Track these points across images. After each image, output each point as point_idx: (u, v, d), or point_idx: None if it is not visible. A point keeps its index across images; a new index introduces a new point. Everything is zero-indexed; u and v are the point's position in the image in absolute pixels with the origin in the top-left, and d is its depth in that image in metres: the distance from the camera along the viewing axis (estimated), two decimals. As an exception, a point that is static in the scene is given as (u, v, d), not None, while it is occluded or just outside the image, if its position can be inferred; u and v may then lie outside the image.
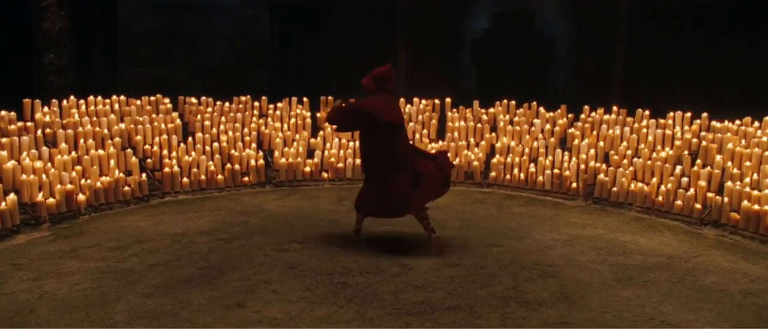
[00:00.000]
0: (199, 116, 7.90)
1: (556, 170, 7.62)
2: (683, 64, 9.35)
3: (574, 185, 7.40)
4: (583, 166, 7.47)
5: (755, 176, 6.24)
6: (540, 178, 7.63)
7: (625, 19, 9.69)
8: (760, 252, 5.57)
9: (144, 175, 7.04)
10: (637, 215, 6.71)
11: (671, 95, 8.79)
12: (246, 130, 8.07)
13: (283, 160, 7.83)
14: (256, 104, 8.46)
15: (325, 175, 7.97)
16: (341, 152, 8.12)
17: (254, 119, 8.26)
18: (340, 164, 8.01)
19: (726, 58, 8.81)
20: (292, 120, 8.35)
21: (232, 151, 7.72)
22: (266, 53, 9.87)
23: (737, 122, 7.00)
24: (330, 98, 8.75)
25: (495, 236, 5.90)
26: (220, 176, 7.45)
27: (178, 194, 7.25)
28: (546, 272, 4.99)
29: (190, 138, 7.65)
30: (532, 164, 7.82)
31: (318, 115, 8.53)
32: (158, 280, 4.74)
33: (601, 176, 7.19)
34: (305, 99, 8.65)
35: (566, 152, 7.80)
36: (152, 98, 7.81)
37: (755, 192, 5.99)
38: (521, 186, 7.77)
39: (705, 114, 7.29)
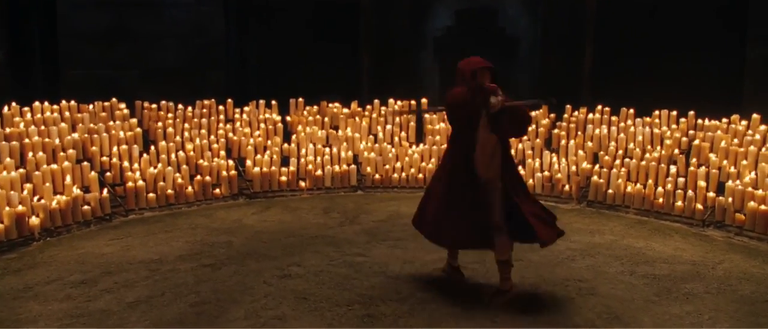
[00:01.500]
0: (160, 123, 6.96)
1: (546, 173, 7.20)
2: (652, 62, 9.16)
3: (566, 187, 7.00)
4: (573, 168, 7.08)
5: (753, 174, 6.02)
6: (530, 181, 7.18)
7: (594, 16, 9.43)
8: (776, 255, 5.32)
9: (105, 191, 6.07)
10: (637, 219, 6.37)
11: (641, 93, 8.58)
12: (213, 137, 7.20)
13: (257, 169, 7.02)
14: (221, 107, 7.58)
15: (302, 184, 7.22)
16: (318, 158, 7.39)
17: (221, 124, 7.39)
18: (319, 172, 7.28)
19: (697, 55, 8.67)
20: (262, 125, 7.53)
21: (201, 160, 6.84)
22: (222, 53, 8.96)
23: (724, 119, 6.80)
24: (300, 99, 8.01)
25: (509, 249, 5.37)
26: (189, 189, 6.56)
27: (144, 211, 6.32)
28: (581, 289, 4.51)
29: (152, 147, 6.71)
30: (520, 167, 7.37)
31: (289, 118, 7.76)
32: (145, 323, 3.92)
33: (595, 178, 6.82)
34: (274, 102, 7.85)
35: (554, 154, 7.40)
36: (106, 103, 6.81)
37: (759, 192, 5.75)
38: (509, 190, 7.29)
39: (691, 112, 7.07)
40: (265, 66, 9.53)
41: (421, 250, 5.26)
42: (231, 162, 7.01)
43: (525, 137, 7.71)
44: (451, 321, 3.98)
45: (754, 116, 6.56)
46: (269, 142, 7.39)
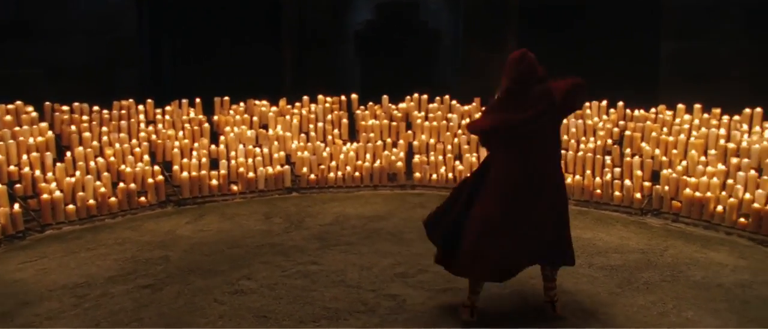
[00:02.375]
0: (74, 127, 6.24)
1: (483, 167, 7.11)
2: (574, 55, 9.35)
3: (505, 181, 6.94)
4: (511, 161, 7.04)
5: (684, 162, 6.21)
6: (468, 175, 7.06)
7: (516, 10, 9.49)
8: (712, 239, 5.48)
9: (16, 205, 5.33)
10: (578, 209, 6.37)
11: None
12: (134, 140, 6.56)
13: (185, 173, 6.46)
14: (141, 108, 6.93)
15: (234, 188, 6.73)
16: (250, 160, 6.91)
17: (142, 126, 6.75)
18: (251, 174, 6.81)
19: (617, 48, 8.92)
20: (187, 126, 6.95)
21: (123, 166, 6.20)
22: (135, 50, 8.23)
23: (653, 110, 6.99)
24: (225, 98, 7.48)
25: (464, 247, 5.21)
26: (112, 199, 5.91)
27: (62, 225, 5.62)
28: (542, 284, 4.40)
29: (67, 154, 5.99)
30: (457, 162, 7.26)
31: (212, 118, 7.22)
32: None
33: (534, 170, 6.80)
34: (198, 100, 7.28)
35: (490, 147, 7.33)
36: (11, 106, 6.00)
37: (693, 180, 5.93)
38: (450, 186, 7.15)
39: (621, 103, 7.21)
40: (181, 63, 8.87)
41: (375, 255, 5.01)
42: (156, 167, 6.40)
43: (459, 131, 7.62)
44: (427, 330, 3.76)
45: (679, 106, 6.77)
46: (196, 144, 6.84)
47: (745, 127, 6.27)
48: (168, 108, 7.05)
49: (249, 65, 9.22)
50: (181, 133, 6.86)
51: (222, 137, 7.01)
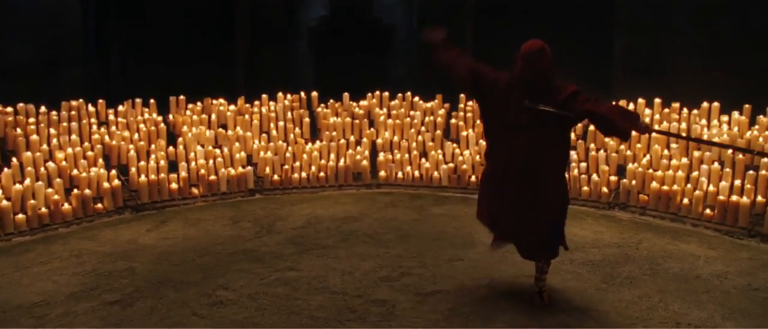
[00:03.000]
0: (19, 129, 5.75)
1: (450, 164, 7.03)
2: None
3: (473, 178, 6.88)
4: (478, 158, 6.99)
5: (648, 157, 6.30)
6: (436, 173, 6.99)
7: (473, 5, 9.45)
8: (680, 231, 5.57)
9: (-41, 218, 4.86)
10: (547, 204, 6.40)
11: None
12: (87, 143, 6.12)
13: (143, 177, 6.08)
14: (92, 109, 6.48)
15: (195, 191, 6.38)
16: (210, 161, 6.58)
17: (94, 128, 6.30)
18: (213, 177, 6.48)
19: (573, 42, 9.01)
20: (142, 127, 6.55)
21: (76, 171, 5.76)
22: (80, 47, 7.70)
23: (613, 104, 7.06)
24: (181, 97, 7.11)
25: (445, 247, 5.09)
26: (66, 206, 5.48)
27: (11, 236, 5.15)
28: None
29: (13, 159, 5.51)
30: (423, 159, 7.15)
31: (173, 117, 6.83)
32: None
33: (501, 166, 6.77)
34: (152, 101, 6.88)
35: (455, 145, 7.25)
36: (-53, 110, 5.48)
37: (658, 173, 6.03)
38: (416, 184, 7.04)
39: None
40: (131, 61, 8.38)
41: (355, 258, 4.83)
42: (113, 171, 5.99)
43: (423, 128, 7.52)
44: (424, 336, 3.62)
45: (640, 100, 6.88)
46: (153, 146, 6.45)
47: (704, 121, 6.43)
48: (121, 108, 6.63)
49: (201, 62, 8.82)
50: (136, 135, 6.46)
51: (180, 139, 6.64)
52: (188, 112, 7.00)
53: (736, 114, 6.26)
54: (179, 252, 4.98)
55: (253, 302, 4.04)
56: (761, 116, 6.16)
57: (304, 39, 10.76)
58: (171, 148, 6.52)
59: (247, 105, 7.37)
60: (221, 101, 7.24)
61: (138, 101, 6.76)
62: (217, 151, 6.74)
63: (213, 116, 7.05)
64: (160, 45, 8.58)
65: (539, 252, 4.01)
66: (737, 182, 5.60)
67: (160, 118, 6.76)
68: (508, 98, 3.82)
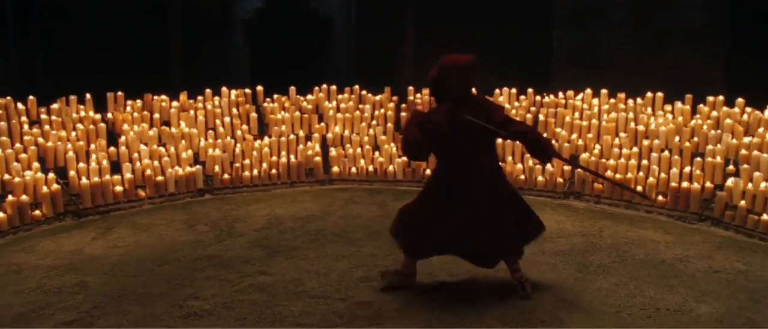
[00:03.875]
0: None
1: (404, 158, 6.91)
2: (465, 40, 9.41)
3: (428, 171, 6.80)
4: (432, 150, 6.91)
5: (599, 146, 6.44)
6: (391, 167, 6.85)
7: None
8: (635, 218, 5.72)
9: None
10: (504, 195, 6.41)
11: None
12: (19, 145, 5.54)
13: (84, 180, 5.58)
14: (21, 106, 5.88)
15: (141, 193, 5.94)
16: (156, 162, 6.14)
17: (26, 128, 5.72)
18: (160, 177, 6.06)
19: (511, 34, 9.10)
20: (79, 126, 6.02)
21: (7, 175, 5.20)
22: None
23: (561, 95, 7.18)
24: (119, 93, 6.60)
25: (416, 243, 4.96)
26: (1, 215, 4.93)
27: (-62, 253, 4.59)
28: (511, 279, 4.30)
29: (-65, 167, 4.92)
30: (377, 153, 7.00)
31: (109, 116, 6.32)
32: None
33: (457, 159, 6.73)
34: (88, 96, 6.34)
35: (408, 137, 7.14)
36: None
37: (611, 162, 6.16)
38: (371, 178, 6.88)
39: (530, 89, 7.35)
40: (57, 54, 7.71)
41: (327, 258, 4.64)
42: (51, 175, 5.45)
43: (374, 122, 7.36)
44: (418, 338, 3.49)
45: (587, 91, 7.03)
46: (92, 146, 5.94)
47: (650, 110, 6.64)
48: (54, 106, 6.06)
49: (134, 57, 8.28)
50: (73, 134, 5.92)
51: (122, 138, 6.16)
52: (128, 109, 6.51)
53: (678, 104, 6.50)
54: (134, 261, 4.59)
55: (230, 311, 3.77)
56: (701, 105, 6.42)
57: (239, 32, 10.35)
58: (112, 148, 6.03)
59: (191, 101, 6.95)
60: (163, 97, 6.78)
61: (72, 98, 6.21)
62: (162, 149, 6.31)
63: (155, 114, 6.60)
64: (89, 39, 7.97)
65: (510, 252, 4.07)
66: (688, 169, 5.80)
67: (98, 116, 6.24)
68: (458, 130, 3.79)
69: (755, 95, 6.25)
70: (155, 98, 6.76)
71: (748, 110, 6.13)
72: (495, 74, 8.60)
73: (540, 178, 6.43)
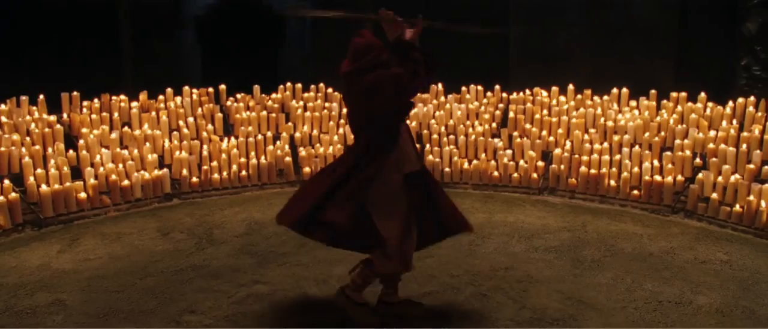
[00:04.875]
0: None
1: (377, 156, 6.72)
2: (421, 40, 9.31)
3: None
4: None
5: (569, 142, 6.47)
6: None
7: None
8: (612, 212, 5.74)
9: None
10: (481, 193, 6.31)
11: None
12: (-33, 152, 4.99)
13: (44, 187, 5.09)
14: (-34, 110, 5.31)
15: (106, 199, 5.49)
16: (120, 166, 5.69)
17: (-27, 133, 5.17)
18: (126, 182, 5.61)
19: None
20: (34, 129, 5.49)
21: (-42, 187, 4.67)
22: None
23: (527, 92, 7.19)
24: (74, 93, 6.09)
25: (407, 244, 4.80)
26: (-45, 230, 4.42)
27: None
28: (518, 278, 4.22)
29: None
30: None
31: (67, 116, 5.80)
32: None
33: (430, 157, 6.61)
34: (41, 97, 5.81)
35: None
36: None
37: (585, 157, 6.19)
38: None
39: (498, 87, 7.32)
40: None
41: (322, 263, 4.42)
42: (6, 182, 4.92)
43: (342, 120, 7.14)
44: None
45: (554, 88, 7.06)
46: (50, 150, 5.44)
47: (616, 106, 6.74)
48: (3, 107, 5.50)
49: (84, 56, 7.70)
50: (28, 138, 5.39)
51: (80, 141, 5.67)
52: (85, 110, 6.01)
53: (644, 100, 6.62)
54: (112, 275, 4.20)
55: (233, 325, 3.49)
56: (665, 101, 6.57)
57: (191, 29, 9.83)
58: (71, 152, 5.54)
59: (152, 101, 6.51)
60: (122, 97, 6.31)
61: (23, 98, 5.67)
62: (126, 153, 5.86)
63: (116, 114, 6.13)
64: (35, 37, 7.33)
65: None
66: (658, 164, 5.90)
67: (53, 117, 5.72)
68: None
69: (702, 90, 6.45)
70: (114, 98, 6.28)
71: (710, 104, 6.32)
72: (453, 71, 8.58)
73: (515, 174, 6.40)
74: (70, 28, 7.61)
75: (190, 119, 6.58)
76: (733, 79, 7.45)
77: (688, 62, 8.02)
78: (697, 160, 5.91)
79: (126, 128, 6.10)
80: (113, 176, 5.51)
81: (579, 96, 6.92)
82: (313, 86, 7.44)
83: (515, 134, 6.75)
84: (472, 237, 4.98)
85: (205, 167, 6.15)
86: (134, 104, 6.39)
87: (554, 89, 7.08)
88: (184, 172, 6.05)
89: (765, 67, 7.22)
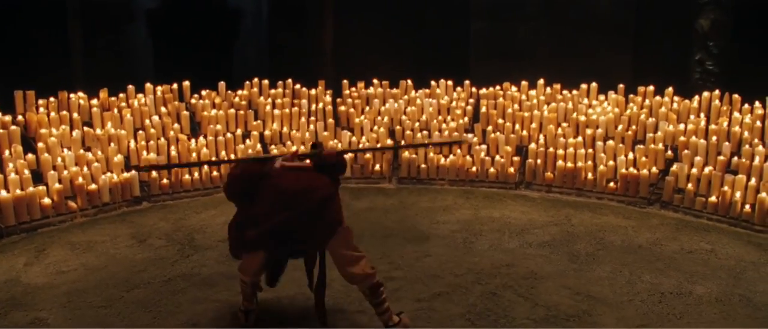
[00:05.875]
0: None
1: (350, 155, 6.50)
2: (384, 34, 9.13)
3: (378, 167, 6.47)
4: (378, 145, 6.58)
5: (543, 137, 6.46)
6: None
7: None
8: (591, 205, 5.78)
9: None
10: (460, 189, 6.20)
11: (379, 63, 8.49)
12: None
13: (4, 193, 4.59)
14: None
15: (73, 205, 5.02)
16: (86, 168, 5.23)
17: None
18: (93, 186, 5.16)
19: (429, 27, 8.94)
20: (-14, 131, 4.97)
21: None
22: None
23: (498, 87, 7.14)
24: (29, 91, 5.56)
25: (402, 244, 4.66)
26: None
27: None
28: (522, 275, 4.14)
29: None
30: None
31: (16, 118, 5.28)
32: None
33: (407, 154, 6.45)
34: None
35: (350, 133, 6.74)
36: None
37: (560, 151, 6.19)
38: (319, 176, 6.39)
39: (467, 81, 7.25)
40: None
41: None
42: (-36, 191, 4.42)
43: (312, 117, 6.88)
44: None
45: (523, 82, 7.04)
46: (7, 153, 4.92)
47: (586, 101, 6.79)
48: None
49: (31, 52, 7.10)
50: (-17, 142, 4.87)
51: (40, 143, 5.17)
52: (42, 109, 5.50)
53: (612, 94, 6.70)
54: (93, 288, 3.83)
55: (241, 338, 3.22)
56: (633, 95, 6.66)
57: (142, 22, 9.27)
58: (31, 155, 5.04)
59: (113, 98, 6.04)
60: (81, 94, 5.82)
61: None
62: (89, 154, 5.40)
63: (75, 114, 5.64)
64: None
65: None
66: (632, 156, 5.97)
67: (7, 118, 5.19)
68: None
69: (659, 84, 6.59)
70: (72, 96, 5.78)
71: (676, 98, 6.46)
72: (414, 66, 8.46)
73: (491, 170, 6.33)
74: (18, 22, 7.01)
75: (155, 118, 6.16)
76: (687, 73, 7.68)
77: (645, 57, 8.22)
78: (669, 152, 6.03)
79: (87, 128, 5.63)
80: (79, 180, 5.06)
81: (548, 90, 6.94)
82: (280, 83, 7.13)
83: (489, 129, 6.69)
84: (465, 234, 4.87)
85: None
86: (94, 101, 5.91)
87: (524, 83, 7.06)
88: (154, 174, 5.65)
89: (717, 62, 7.48)
